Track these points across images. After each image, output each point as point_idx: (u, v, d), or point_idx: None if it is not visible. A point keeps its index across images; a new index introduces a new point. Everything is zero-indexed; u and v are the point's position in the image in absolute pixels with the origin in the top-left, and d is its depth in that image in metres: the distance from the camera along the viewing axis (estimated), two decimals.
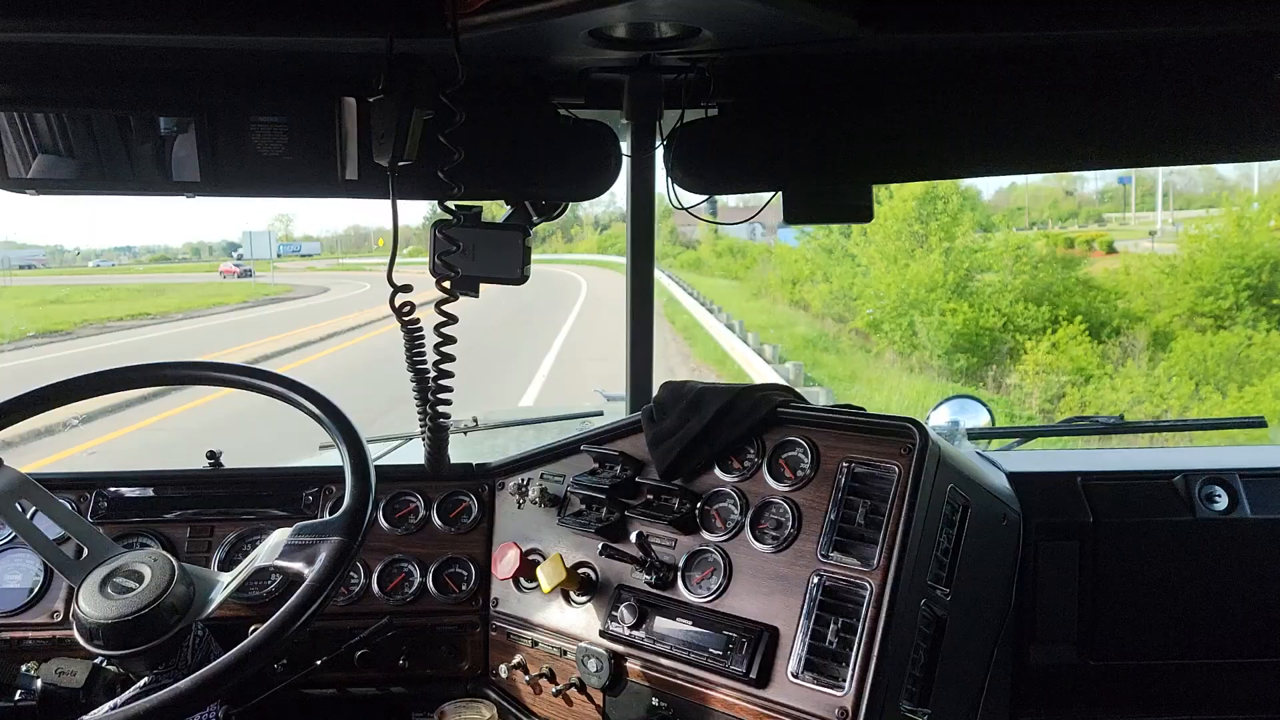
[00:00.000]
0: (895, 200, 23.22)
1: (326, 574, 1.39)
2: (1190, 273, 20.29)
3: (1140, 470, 2.03)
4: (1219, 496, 1.97)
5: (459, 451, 2.09)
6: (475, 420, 2.47)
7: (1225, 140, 1.89)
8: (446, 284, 1.63)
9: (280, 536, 1.49)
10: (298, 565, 1.43)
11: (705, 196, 2.10)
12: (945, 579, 1.59)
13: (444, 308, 1.61)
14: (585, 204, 2.11)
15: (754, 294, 34.17)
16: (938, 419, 2.64)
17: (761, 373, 15.38)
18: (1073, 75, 1.82)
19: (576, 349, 20.31)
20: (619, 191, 2.15)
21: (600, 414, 2.57)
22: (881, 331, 22.44)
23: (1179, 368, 16.38)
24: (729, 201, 2.55)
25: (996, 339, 20.28)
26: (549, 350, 19.43)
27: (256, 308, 39.21)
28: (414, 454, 2.45)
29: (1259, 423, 2.36)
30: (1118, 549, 1.95)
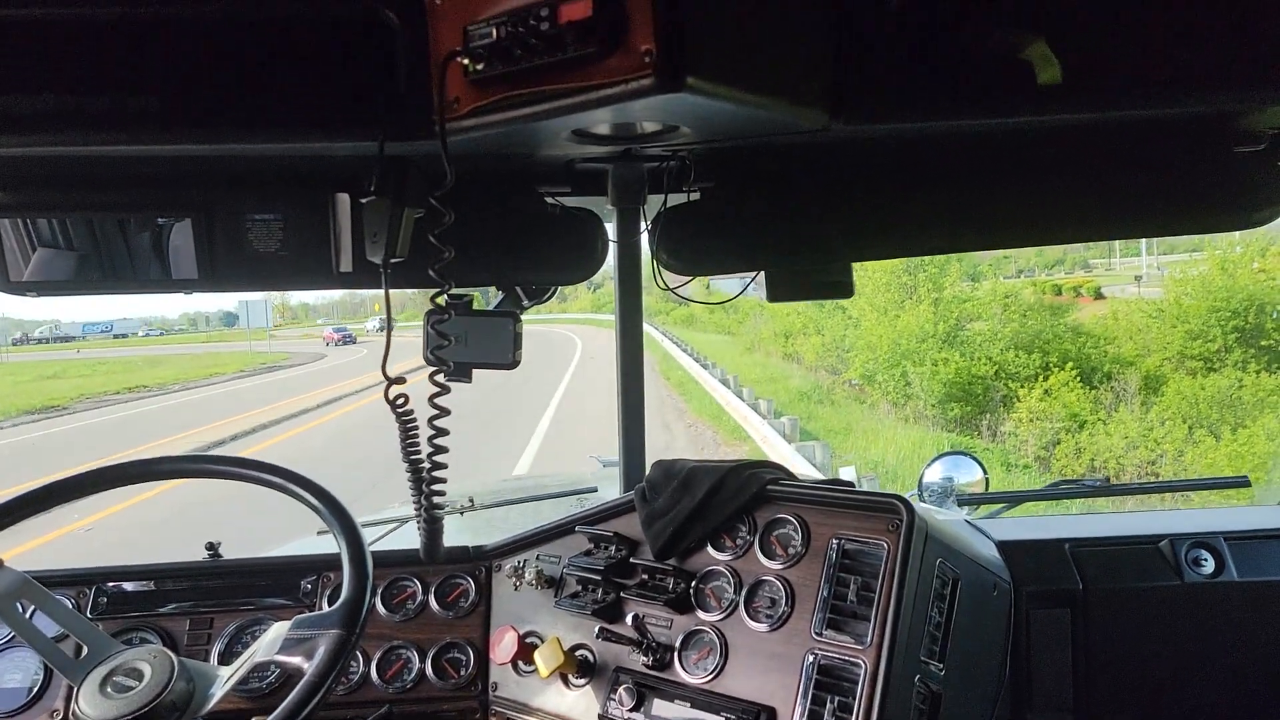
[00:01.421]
0: None
1: (326, 668, 1.40)
2: (1177, 316, 20.48)
3: (1127, 535, 2.05)
4: (1205, 560, 1.99)
5: (455, 532, 2.11)
6: (471, 501, 2.49)
7: (1189, 214, 1.96)
8: (439, 376, 1.67)
9: (279, 630, 1.50)
10: (296, 660, 1.44)
11: (690, 278, 2.15)
12: (939, 653, 1.60)
13: (437, 400, 1.65)
14: (577, 284, 2.16)
15: (748, 348, 34.31)
16: (931, 476, 2.66)
17: (758, 427, 15.37)
18: (1038, 156, 1.89)
19: (574, 405, 20.31)
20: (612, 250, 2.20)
21: (595, 490, 2.59)
22: (875, 383, 22.50)
23: (1171, 411, 16.43)
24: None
25: (989, 387, 20.35)
26: (546, 410, 19.42)
27: (253, 376, 39.19)
28: (410, 537, 2.46)
29: (1243, 483, 2.39)
30: (1108, 615, 1.97)
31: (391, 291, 1.71)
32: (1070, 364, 19.83)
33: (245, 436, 19.04)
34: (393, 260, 1.65)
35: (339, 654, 1.41)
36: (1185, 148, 1.89)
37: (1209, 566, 1.98)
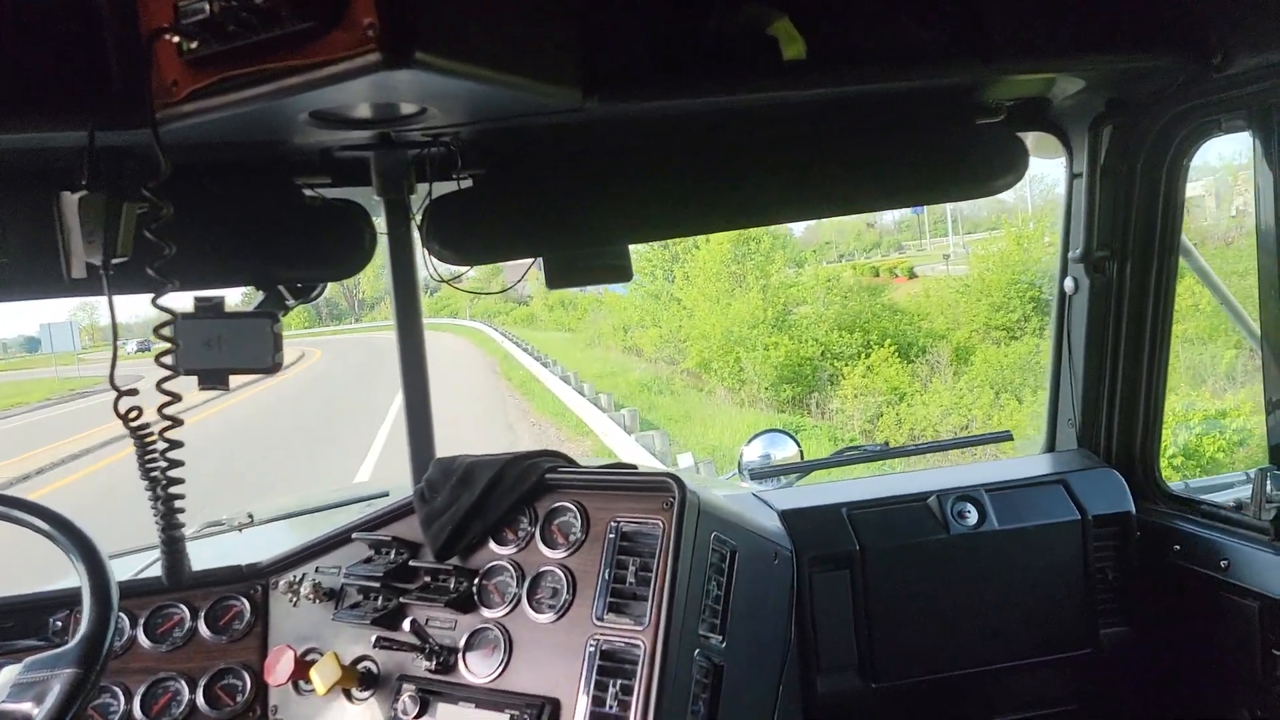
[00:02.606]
0: (711, 244, 24.03)
1: (56, 713, 1.27)
2: (982, 290, 21.90)
3: (899, 495, 2.15)
4: (969, 512, 2.10)
5: (233, 550, 1.98)
6: (250, 516, 2.34)
7: (937, 184, 2.06)
8: (171, 384, 1.54)
9: (7, 675, 1.35)
10: (25, 706, 1.30)
11: (467, 268, 2.09)
12: (719, 626, 1.62)
13: (167, 410, 1.51)
14: (344, 280, 2.05)
15: (588, 344, 34.39)
16: (750, 454, 2.73)
17: (598, 421, 15.42)
18: (792, 131, 1.94)
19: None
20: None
21: (386, 494, 2.49)
22: (711, 370, 23.02)
23: (980, 379, 17.54)
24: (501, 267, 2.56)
25: (817, 367, 21.15)
26: (384, 419, 18.83)
27: (61, 405, 36.12)
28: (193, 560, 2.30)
29: (1005, 437, 2.56)
30: (884, 573, 2.05)
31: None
32: (889, 341, 20.87)
33: (47, 471, 17.52)
34: (115, 261, 1.51)
35: (74, 694, 1.29)
36: (931, 121, 1.99)
37: (973, 518, 2.09)
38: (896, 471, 2.52)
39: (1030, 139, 2.09)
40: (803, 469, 2.52)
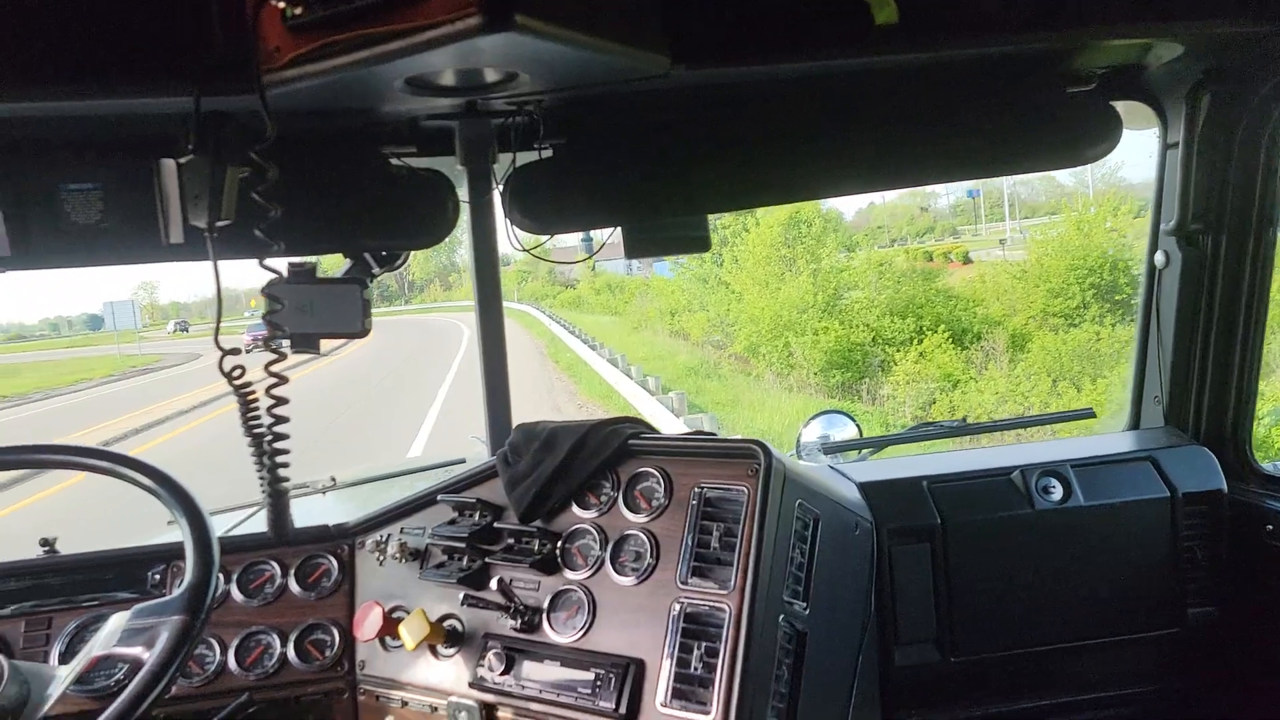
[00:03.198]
0: (762, 227, 23.91)
1: (167, 657, 1.32)
2: (1040, 276, 21.51)
3: (981, 469, 2.13)
4: (1054, 488, 2.08)
5: (319, 513, 2.03)
6: (333, 479, 2.40)
7: (1026, 154, 2.03)
8: (282, 344, 1.59)
9: (118, 621, 1.41)
10: (136, 650, 1.36)
11: (546, 237, 2.11)
12: (802, 593, 1.63)
13: (274, 368, 1.56)
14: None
15: (634, 327, 34.45)
16: (809, 435, 2.72)
17: (647, 405, 15.46)
18: (881, 97, 1.93)
19: (464, 392, 20.02)
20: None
21: (463, 461, 2.54)
22: (759, 354, 22.93)
23: (1037, 366, 17.28)
24: (569, 241, 2.57)
25: (868, 353, 20.98)
26: (435, 399, 19.08)
27: (124, 380, 37.12)
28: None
29: (1088, 414, 2.52)
30: (965, 547, 2.04)
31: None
32: (942, 327, 20.62)
33: (119, 442, 18.05)
34: (220, 224, 1.56)
35: (182, 640, 1.34)
36: (1021, 89, 1.96)
37: (1058, 493, 2.07)
38: (974, 447, 2.49)
39: (1121, 109, 2.05)
40: (877, 444, 2.51)
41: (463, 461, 2.51)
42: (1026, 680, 2.14)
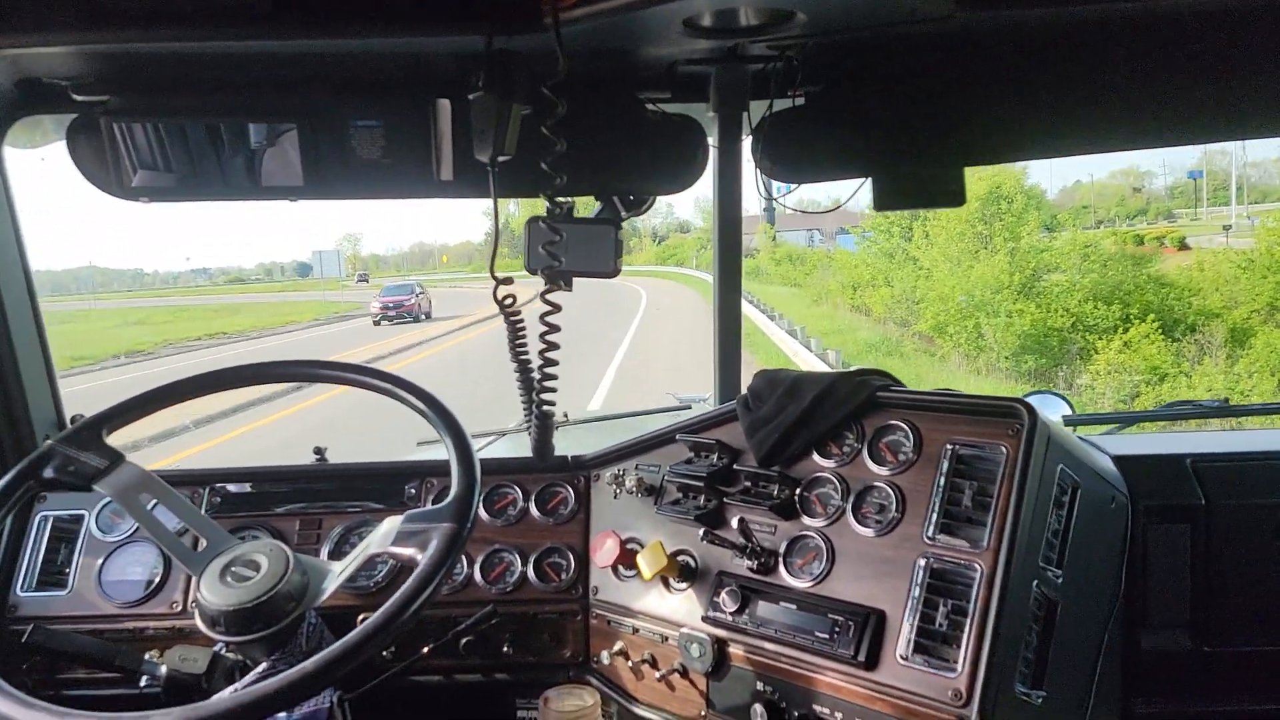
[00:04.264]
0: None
1: (440, 559, 1.42)
2: (1269, 266, 19.62)
3: (1254, 451, 1.98)
4: None
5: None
6: (566, 415, 2.50)
7: None
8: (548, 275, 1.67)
9: (392, 524, 1.52)
10: (410, 551, 1.46)
11: (795, 185, 2.10)
12: (1056, 560, 1.57)
13: (548, 296, 1.64)
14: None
15: (814, 300, 33.90)
16: None
17: None
18: (1167, 48, 1.79)
19: (640, 356, 20.36)
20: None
21: (689, 408, 2.58)
22: (947, 334, 22.08)
23: (1260, 364, 15.83)
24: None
25: (1066, 339, 19.82)
26: (612, 360, 19.51)
27: (327, 325, 40.05)
28: (507, 448, 2.49)
29: None
30: (1233, 532, 1.90)
31: (458, 244, 1.70)
32: (1152, 316, 19.20)
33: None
34: (500, 159, 1.64)
35: (452, 546, 1.43)
36: None
37: None
38: (1234, 429, 2.31)
39: None
40: (1126, 419, 2.37)
41: (688, 408, 2.56)
42: None
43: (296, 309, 49.74)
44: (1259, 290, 19.58)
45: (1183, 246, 30.20)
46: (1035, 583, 1.52)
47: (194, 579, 1.56)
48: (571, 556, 1.99)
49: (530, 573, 1.98)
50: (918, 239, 25.03)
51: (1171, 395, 15.66)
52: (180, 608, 1.92)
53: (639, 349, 21.86)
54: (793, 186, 2.09)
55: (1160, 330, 18.58)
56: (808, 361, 17.16)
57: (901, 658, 1.49)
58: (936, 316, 22.67)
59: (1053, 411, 2.63)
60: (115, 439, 1.65)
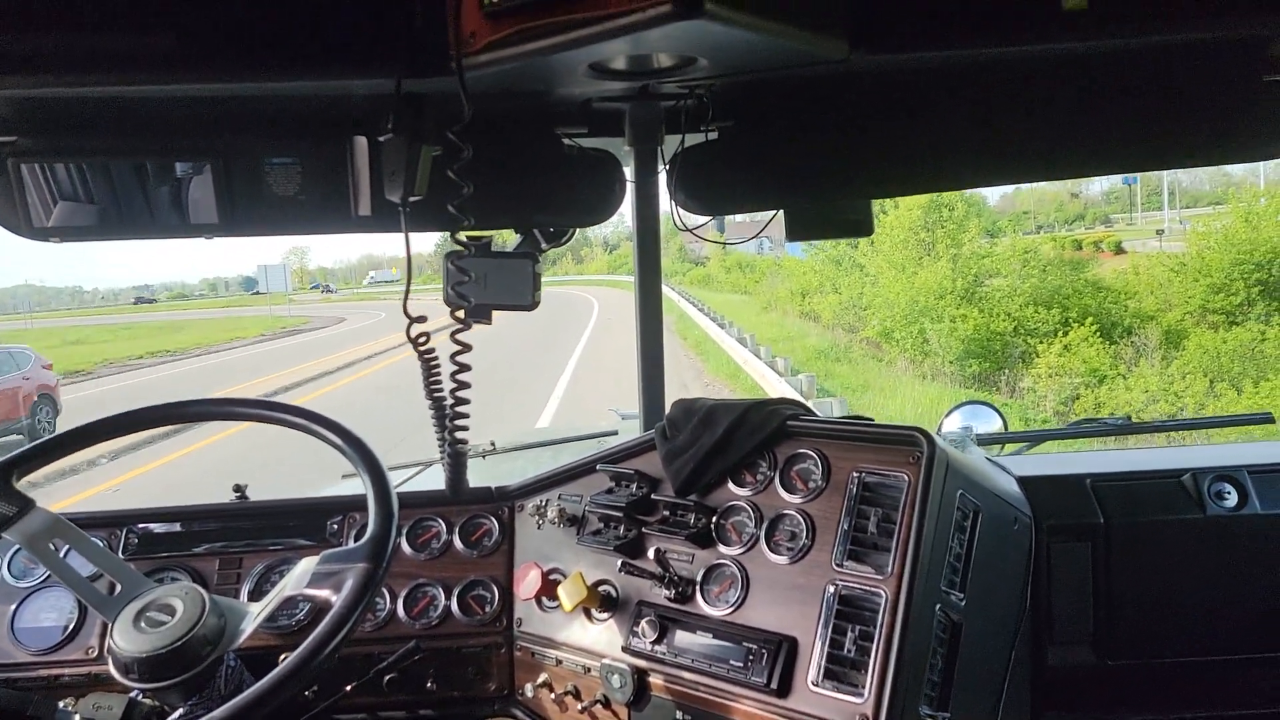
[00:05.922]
0: (901, 209, 23.27)
1: (354, 599, 1.42)
2: (1200, 270, 20.24)
3: (1149, 470, 2.05)
4: (1228, 493, 1.98)
5: (477, 475, 2.13)
6: (493, 444, 2.52)
7: (1215, 143, 1.92)
8: (460, 313, 1.68)
9: (307, 565, 1.52)
10: (325, 592, 1.46)
11: (709, 218, 2.14)
12: (959, 584, 1.62)
13: (458, 336, 1.66)
14: (595, 226, 2.15)
15: (764, 307, 34.21)
16: (950, 425, 2.65)
17: (775, 385, 15.36)
18: (1061, 85, 1.86)
19: (591, 365, 20.37)
20: (627, 212, 2.20)
21: (615, 433, 2.61)
22: (893, 340, 22.42)
23: (1193, 365, 16.29)
24: (734, 218, 2.60)
25: (1008, 343, 20.23)
26: (564, 370, 19.50)
27: (274, 340, 39.42)
28: (433, 480, 2.49)
29: (1267, 419, 2.38)
30: (1129, 549, 1.97)
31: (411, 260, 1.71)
32: (1090, 319, 19.66)
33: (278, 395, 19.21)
34: (411, 199, 1.65)
35: (366, 586, 1.44)
36: (1212, 76, 1.85)
37: (1232, 500, 1.98)
38: (1137, 447, 2.39)
39: None
40: (1034, 438, 2.44)
41: (614, 434, 2.58)
42: (1186, 689, 2.05)
43: (241, 325, 48.90)
44: (1191, 293, 20.19)
45: (1119, 251, 31.03)
46: (938, 606, 1.56)
47: (109, 625, 1.54)
48: (495, 589, 2.00)
49: (454, 607, 1.99)
50: (863, 246, 25.38)
51: (1110, 397, 16.08)
52: (96, 654, 1.89)
53: (590, 358, 21.87)
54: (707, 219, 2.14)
55: (1098, 333, 19.04)
56: (757, 369, 17.30)
57: (812, 684, 1.52)
58: (883, 322, 23.01)
59: (984, 422, 2.69)
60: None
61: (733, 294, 41.45)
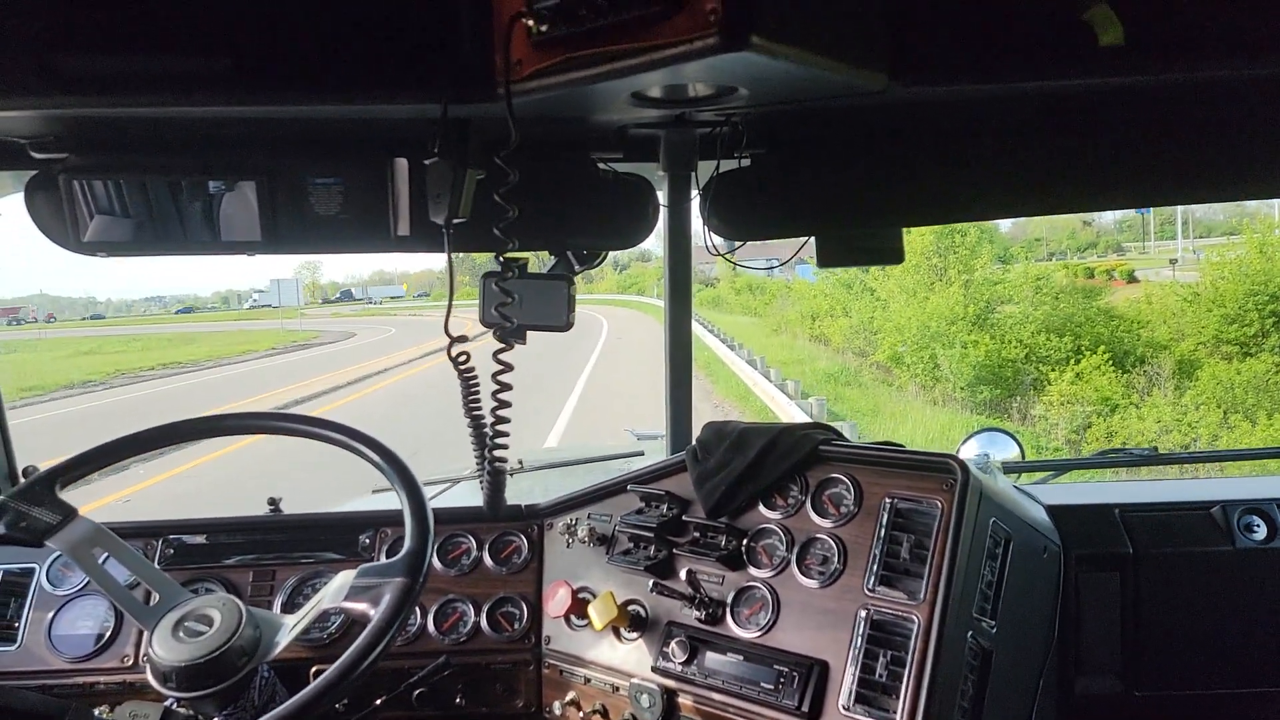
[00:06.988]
0: (913, 234, 23.29)
1: (392, 614, 1.44)
2: (1214, 300, 20.19)
3: (1178, 501, 2.06)
4: (1258, 526, 1.99)
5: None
6: (520, 462, 2.54)
7: (1242, 179, 1.94)
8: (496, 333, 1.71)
9: (344, 579, 1.54)
10: (363, 606, 1.48)
11: (740, 243, 2.17)
12: (990, 611, 1.63)
13: (500, 355, 1.69)
14: (628, 249, 2.19)
15: (774, 330, 34.20)
16: (967, 452, 2.65)
17: (785, 408, 15.36)
18: (1095, 119, 1.89)
19: (600, 384, 20.39)
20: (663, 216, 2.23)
21: (641, 454, 2.63)
22: (903, 365, 22.38)
23: (1206, 396, 16.24)
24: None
25: (1020, 370, 20.20)
26: (572, 389, 19.52)
27: (285, 354, 39.55)
28: (462, 496, 2.51)
29: None
30: (1158, 579, 1.98)
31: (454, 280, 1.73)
32: (1102, 347, 19.63)
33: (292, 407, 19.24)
34: (455, 221, 1.68)
35: (404, 600, 1.46)
36: (1240, 115, 1.88)
37: (1261, 533, 1.99)
38: (1164, 478, 2.40)
39: None
40: (1060, 467, 2.45)
41: (641, 454, 2.60)
42: None
43: (253, 338, 49.09)
44: (1204, 323, 20.12)
45: (1131, 279, 30.97)
46: (970, 633, 1.57)
47: (146, 634, 1.56)
48: (524, 606, 2.02)
49: (483, 623, 2.00)
50: (874, 270, 25.38)
51: (1122, 426, 16.02)
52: (131, 662, 1.92)
53: (599, 377, 21.89)
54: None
55: (1111, 362, 18.99)
56: (768, 391, 17.29)
57: (844, 708, 1.53)
58: (893, 347, 22.99)
59: (1001, 450, 2.69)
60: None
61: (743, 315, 41.45)
